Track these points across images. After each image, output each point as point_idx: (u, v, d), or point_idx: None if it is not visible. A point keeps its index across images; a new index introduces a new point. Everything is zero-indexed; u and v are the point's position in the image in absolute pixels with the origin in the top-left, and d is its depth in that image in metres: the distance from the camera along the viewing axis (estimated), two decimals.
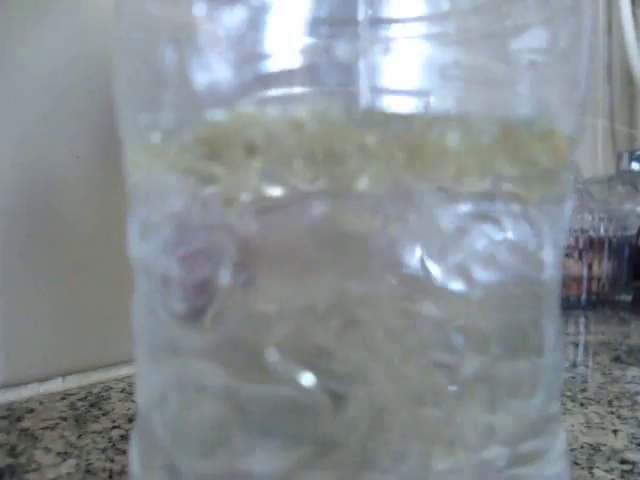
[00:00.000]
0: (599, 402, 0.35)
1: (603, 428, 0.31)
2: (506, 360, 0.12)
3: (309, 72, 0.10)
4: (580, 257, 0.61)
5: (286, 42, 0.10)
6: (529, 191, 0.12)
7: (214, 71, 0.10)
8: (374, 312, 0.11)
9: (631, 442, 0.29)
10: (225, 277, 0.11)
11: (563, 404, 0.34)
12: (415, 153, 0.11)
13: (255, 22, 0.10)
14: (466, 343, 0.12)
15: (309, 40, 0.10)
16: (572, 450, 0.28)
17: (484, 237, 0.12)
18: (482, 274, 0.12)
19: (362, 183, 0.10)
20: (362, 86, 0.12)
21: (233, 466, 0.11)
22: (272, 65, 0.10)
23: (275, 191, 0.11)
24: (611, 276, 0.63)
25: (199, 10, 0.10)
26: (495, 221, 0.12)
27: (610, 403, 0.35)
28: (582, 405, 0.34)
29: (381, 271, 0.11)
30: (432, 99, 0.16)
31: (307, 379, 0.10)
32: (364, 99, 0.11)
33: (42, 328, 0.35)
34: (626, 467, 0.26)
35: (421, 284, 0.11)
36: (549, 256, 0.13)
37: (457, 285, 0.12)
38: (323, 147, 0.10)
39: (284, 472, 0.11)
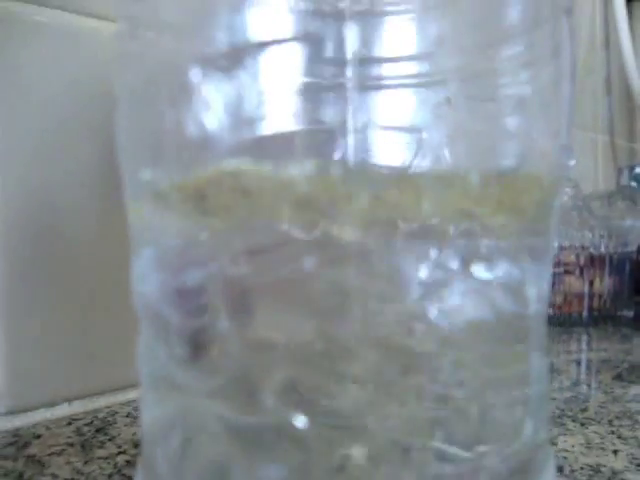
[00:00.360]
0: (600, 422, 0.35)
1: (603, 449, 0.31)
2: (494, 390, 0.13)
3: (300, 135, 0.11)
4: (581, 274, 0.61)
5: (278, 106, 0.11)
6: (512, 234, 0.12)
7: (209, 132, 0.11)
8: (364, 352, 0.11)
9: (631, 462, 0.29)
10: (221, 322, 0.11)
11: (564, 424, 0.35)
12: (401, 202, 0.11)
13: (248, 87, 0.11)
14: (456, 376, 0.12)
15: (300, 103, 0.11)
16: (572, 471, 0.28)
17: (470, 277, 0.12)
18: (469, 311, 0.12)
19: (349, 232, 0.11)
20: (351, 138, 0.12)
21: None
22: (265, 127, 0.11)
23: (265, 237, 0.11)
24: (612, 292, 0.63)
25: (195, 76, 0.11)
26: (480, 261, 0.12)
27: (611, 423, 0.35)
28: (583, 425, 0.34)
29: (371, 313, 0.11)
30: (424, 135, 0.16)
31: (300, 421, 0.11)
32: (352, 154, 0.12)
33: (47, 353, 0.36)
34: None
35: (412, 322, 0.12)
36: (532, 292, 0.13)
37: (445, 322, 0.12)
38: (312, 203, 0.11)
39: None
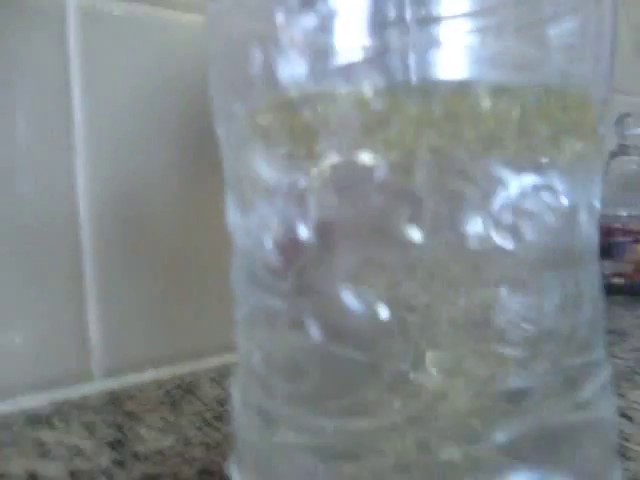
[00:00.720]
0: None
1: None
2: (548, 311, 0.14)
3: (369, 65, 0.13)
4: None
5: (350, 41, 0.12)
6: (562, 156, 0.14)
7: (293, 66, 0.12)
8: (437, 262, 0.13)
9: None
10: (307, 236, 0.13)
11: (633, 380, 0.35)
12: (464, 122, 0.13)
13: (324, 25, 0.12)
14: (513, 295, 0.14)
15: (368, 39, 0.12)
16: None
17: (535, 203, 0.13)
18: (530, 234, 0.14)
19: (422, 154, 0.12)
20: (413, 72, 0.14)
21: (316, 388, 0.13)
22: (340, 58, 0.12)
23: (352, 156, 0.13)
24: None
25: (279, 18, 0.12)
26: (543, 189, 0.14)
27: None
28: None
29: (444, 225, 0.13)
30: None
31: (384, 312, 0.12)
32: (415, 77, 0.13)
33: (137, 323, 0.39)
34: None
35: (479, 242, 0.13)
36: (584, 218, 0.15)
37: (508, 243, 0.13)
38: (384, 122, 0.12)
39: (358, 395, 0.13)
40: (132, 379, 0.38)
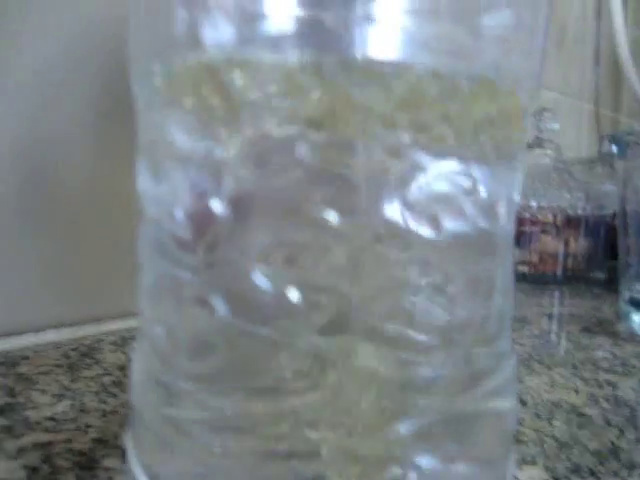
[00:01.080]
0: (564, 366, 0.37)
1: (566, 388, 0.33)
2: (461, 300, 0.14)
3: (302, 37, 0.12)
4: (557, 234, 0.63)
5: (281, 10, 0.12)
6: (485, 146, 0.14)
7: (219, 29, 0.12)
8: (353, 245, 0.12)
9: (589, 399, 0.31)
10: (220, 210, 0.12)
11: (531, 367, 0.36)
12: (402, 107, 0.12)
13: None
14: (428, 282, 0.14)
15: (300, 10, 0.12)
16: (535, 404, 0.30)
17: (453, 189, 0.13)
18: (445, 221, 0.13)
19: (352, 133, 0.12)
20: (346, 49, 0.13)
21: (219, 367, 0.13)
22: (269, 27, 0.12)
23: (273, 130, 0.12)
24: (587, 253, 0.65)
25: None
26: (463, 176, 0.13)
27: (574, 366, 0.37)
28: (549, 368, 0.36)
29: (362, 209, 0.12)
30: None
31: (293, 295, 0.12)
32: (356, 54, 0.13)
33: (37, 282, 0.37)
34: (583, 420, 0.28)
35: (396, 228, 0.13)
36: (503, 210, 0.15)
37: (426, 231, 0.13)
38: (317, 101, 0.12)
39: (260, 377, 0.13)
40: (28, 339, 0.36)
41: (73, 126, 0.37)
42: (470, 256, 0.15)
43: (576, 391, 0.32)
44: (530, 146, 0.67)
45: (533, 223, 0.63)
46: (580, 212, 0.64)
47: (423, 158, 0.13)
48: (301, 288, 0.12)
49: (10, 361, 0.33)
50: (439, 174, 0.13)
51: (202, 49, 0.12)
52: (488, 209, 0.15)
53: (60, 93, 0.37)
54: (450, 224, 0.14)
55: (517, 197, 0.16)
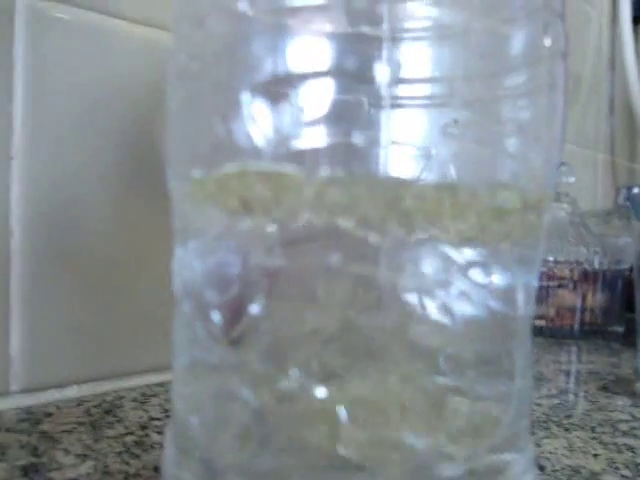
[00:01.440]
0: (583, 428, 0.37)
1: (584, 452, 0.33)
2: (482, 383, 0.15)
3: (330, 152, 0.13)
4: (574, 288, 0.63)
5: (312, 124, 0.13)
6: (506, 243, 0.14)
7: (253, 142, 0.13)
8: (377, 339, 0.13)
9: (609, 466, 0.31)
10: (254, 306, 0.13)
11: (549, 429, 0.36)
12: (412, 214, 0.13)
13: (288, 110, 0.13)
14: (450, 367, 0.14)
15: (332, 123, 0.13)
16: (554, 471, 0.30)
17: (469, 281, 0.14)
18: (466, 311, 0.14)
19: (371, 236, 0.13)
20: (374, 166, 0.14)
21: (256, 461, 0.13)
22: (300, 144, 0.13)
23: (298, 229, 0.13)
24: (604, 307, 0.65)
25: (245, 97, 0.12)
26: (478, 268, 0.14)
27: (593, 429, 0.37)
28: (566, 430, 0.36)
29: (384, 306, 0.13)
30: (434, 151, 0.18)
31: (320, 392, 0.12)
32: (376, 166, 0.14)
33: (60, 338, 0.38)
34: None
35: (416, 318, 0.14)
36: (521, 297, 0.15)
37: (445, 319, 0.14)
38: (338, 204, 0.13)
39: (292, 469, 0.13)
40: (51, 395, 0.37)
41: (101, 180, 0.39)
42: (488, 339, 0.16)
43: (595, 456, 0.32)
44: None
45: (550, 277, 0.63)
46: (597, 266, 0.64)
47: (444, 252, 0.14)
48: (326, 387, 0.13)
49: (34, 418, 0.34)
50: (458, 267, 0.14)
51: (237, 158, 0.13)
52: (506, 297, 0.15)
53: (89, 144, 0.38)
54: (465, 312, 0.15)
55: (536, 283, 0.16)
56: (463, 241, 0.14)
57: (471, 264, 0.14)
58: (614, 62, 1.15)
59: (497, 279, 0.14)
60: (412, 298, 0.13)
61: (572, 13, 1.00)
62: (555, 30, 0.16)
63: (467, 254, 0.14)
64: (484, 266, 0.14)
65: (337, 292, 0.13)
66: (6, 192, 0.35)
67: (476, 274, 0.14)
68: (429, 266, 0.13)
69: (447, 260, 0.14)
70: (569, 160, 0.89)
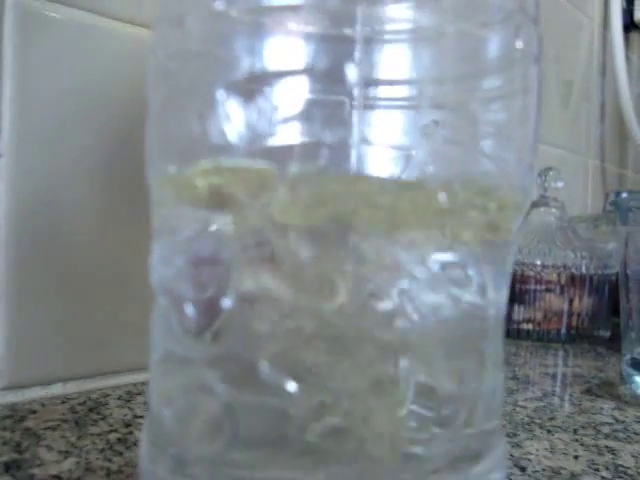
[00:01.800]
0: (565, 430, 0.37)
1: (565, 454, 0.33)
2: (452, 381, 0.15)
3: (302, 150, 0.13)
4: (562, 292, 0.64)
5: (287, 122, 0.13)
6: (478, 244, 0.15)
7: (228, 140, 0.13)
8: (347, 336, 0.13)
9: (589, 467, 0.31)
10: (226, 301, 0.13)
11: (531, 430, 0.37)
12: (392, 214, 0.14)
13: (263, 107, 0.13)
14: (419, 366, 0.14)
15: (306, 120, 0.13)
16: (535, 472, 0.30)
17: (440, 281, 0.14)
18: (436, 310, 0.14)
19: (351, 233, 0.13)
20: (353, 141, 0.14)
21: (227, 454, 0.13)
22: (274, 140, 0.13)
23: (270, 229, 0.13)
24: (591, 312, 0.65)
25: (221, 95, 0.13)
26: (449, 267, 0.14)
27: (575, 431, 0.37)
28: (549, 432, 0.36)
29: (354, 303, 0.13)
30: (413, 153, 0.19)
31: (290, 386, 0.13)
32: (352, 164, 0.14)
33: (46, 336, 0.38)
34: None
35: (386, 315, 0.14)
36: (492, 297, 0.15)
37: (414, 317, 0.14)
38: (314, 200, 0.13)
39: (262, 461, 0.13)
40: (36, 393, 0.37)
41: (88, 181, 0.39)
42: (457, 339, 0.16)
43: (576, 457, 0.33)
44: (535, 205, 0.68)
45: (537, 281, 0.63)
46: (584, 271, 0.64)
47: (414, 254, 0.14)
48: (300, 382, 0.13)
49: (18, 415, 0.34)
50: (432, 269, 0.14)
51: (211, 155, 0.13)
52: (476, 297, 0.15)
53: (77, 144, 0.38)
54: (437, 311, 0.15)
55: (507, 283, 0.16)
56: (435, 240, 0.14)
57: (442, 263, 0.14)
58: (605, 68, 1.16)
59: (468, 279, 0.15)
60: (382, 295, 0.14)
61: (564, 20, 1.00)
62: (528, 33, 0.16)
63: (438, 253, 0.14)
64: (455, 266, 0.14)
65: (307, 289, 0.13)
66: None
67: (447, 274, 0.14)
68: (399, 264, 0.14)
69: (417, 258, 0.14)
70: (559, 165, 0.90)
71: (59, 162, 0.38)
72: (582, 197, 1.06)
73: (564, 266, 0.64)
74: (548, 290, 0.63)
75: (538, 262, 0.63)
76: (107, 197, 0.40)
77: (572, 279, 0.64)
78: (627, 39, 1.13)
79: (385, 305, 0.14)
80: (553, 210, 0.68)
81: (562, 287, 0.63)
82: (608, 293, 0.66)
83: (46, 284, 0.37)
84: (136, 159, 0.39)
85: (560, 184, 0.69)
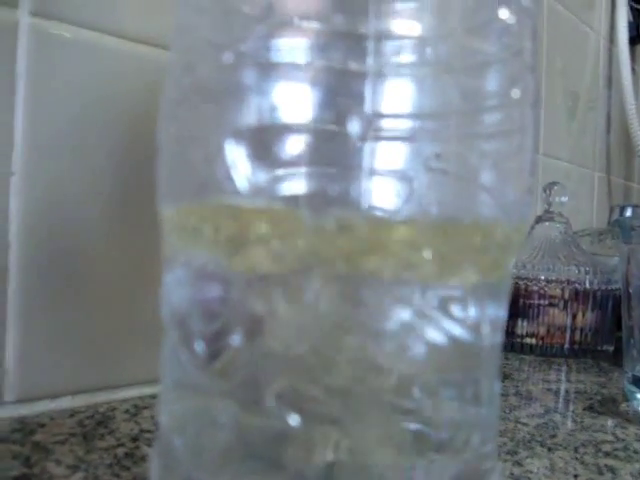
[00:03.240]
0: (566, 448, 0.37)
1: (565, 472, 0.33)
2: (449, 409, 0.16)
3: (310, 192, 0.14)
4: (565, 307, 0.64)
5: (291, 166, 0.14)
6: (476, 277, 0.15)
7: (235, 185, 0.13)
8: (348, 369, 0.14)
9: None
10: (235, 337, 0.14)
11: (532, 448, 0.37)
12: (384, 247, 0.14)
13: (269, 156, 0.13)
14: (423, 394, 0.15)
15: (311, 169, 0.14)
16: None
17: (436, 313, 0.15)
18: (432, 340, 0.15)
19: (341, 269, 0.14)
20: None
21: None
22: (281, 189, 0.14)
23: (273, 267, 0.14)
24: (594, 327, 0.66)
25: (229, 145, 0.13)
26: (446, 300, 0.15)
27: (576, 449, 0.37)
28: (550, 450, 0.37)
29: (355, 338, 0.14)
30: (415, 184, 0.19)
31: (294, 420, 0.13)
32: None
33: (55, 350, 0.38)
34: None
35: (385, 347, 0.15)
36: (487, 328, 0.16)
37: (412, 348, 0.15)
38: (314, 248, 0.14)
39: None
40: (45, 406, 0.38)
41: (100, 196, 0.39)
42: (454, 368, 0.17)
43: (575, 477, 0.33)
44: (539, 220, 0.69)
45: (541, 296, 0.64)
46: (588, 286, 0.65)
47: (408, 292, 0.15)
48: (303, 417, 0.13)
49: (27, 428, 0.34)
50: (426, 301, 0.15)
51: (220, 200, 0.14)
52: (472, 328, 0.16)
53: (88, 161, 0.39)
54: (433, 341, 0.16)
55: (504, 313, 0.17)
56: (433, 275, 0.15)
57: (439, 297, 0.15)
58: (611, 81, 1.17)
59: (464, 311, 0.15)
60: (381, 329, 0.14)
61: (570, 33, 1.01)
62: (524, 81, 0.17)
63: (436, 288, 0.15)
64: (452, 299, 0.15)
65: (309, 326, 0.13)
66: (5, 206, 0.36)
67: (444, 306, 0.15)
68: (397, 299, 0.14)
69: (415, 292, 0.14)
70: (565, 177, 0.90)
71: (71, 179, 0.38)
72: (587, 209, 1.07)
73: (568, 281, 0.64)
74: (551, 305, 0.64)
75: (542, 277, 0.64)
76: (118, 213, 0.40)
77: (576, 294, 0.64)
78: (633, 52, 1.14)
79: (386, 340, 0.14)
80: (557, 225, 0.68)
81: (565, 302, 0.64)
82: (612, 308, 0.66)
83: (55, 300, 0.38)
84: (147, 177, 0.39)
85: (564, 199, 0.70)
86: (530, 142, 0.17)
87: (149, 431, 0.35)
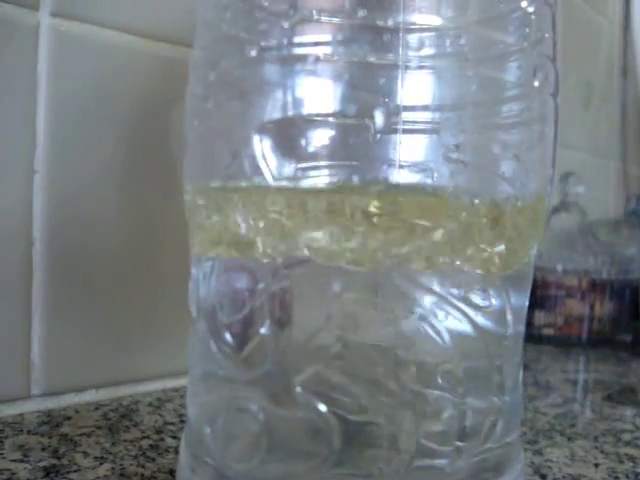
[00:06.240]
0: (586, 437, 0.38)
1: (585, 461, 0.34)
2: (474, 396, 0.16)
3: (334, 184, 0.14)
4: (582, 298, 0.64)
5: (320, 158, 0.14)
6: (501, 271, 0.15)
7: (262, 175, 0.14)
8: (375, 358, 0.14)
9: (609, 475, 0.32)
10: (264, 327, 0.14)
11: (552, 438, 0.37)
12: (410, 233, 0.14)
13: (295, 151, 0.14)
14: (443, 382, 0.15)
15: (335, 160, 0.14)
16: (555, 479, 0.31)
17: (461, 303, 0.15)
18: (457, 330, 0.15)
19: (367, 264, 0.14)
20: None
21: (264, 468, 0.14)
22: (306, 181, 0.14)
23: (300, 250, 0.14)
24: (612, 317, 0.65)
25: (256, 139, 0.14)
26: (470, 290, 0.15)
27: (596, 439, 0.37)
28: (570, 439, 0.37)
29: (382, 327, 0.14)
30: (435, 174, 0.20)
31: (322, 407, 0.14)
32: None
33: (79, 345, 0.39)
34: None
35: (411, 337, 0.15)
36: (510, 317, 0.16)
37: (437, 338, 0.15)
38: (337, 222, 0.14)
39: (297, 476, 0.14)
40: (70, 399, 0.38)
41: (117, 199, 0.40)
42: (479, 357, 0.17)
43: (596, 465, 0.33)
44: (555, 210, 0.69)
45: (558, 287, 0.64)
46: (605, 276, 0.64)
47: (434, 281, 0.15)
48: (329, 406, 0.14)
49: (54, 421, 0.35)
50: (451, 291, 0.15)
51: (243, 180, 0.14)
52: (496, 317, 0.16)
53: (105, 167, 0.40)
54: (458, 331, 0.16)
55: (526, 303, 0.17)
56: (457, 266, 0.15)
57: (464, 287, 0.15)
58: (626, 70, 1.16)
59: (489, 301, 0.15)
60: (407, 319, 0.14)
61: (584, 23, 1.00)
62: (545, 71, 0.17)
63: (460, 278, 0.15)
64: (477, 289, 0.15)
65: (338, 315, 0.14)
66: (29, 203, 0.36)
67: (468, 296, 0.15)
68: (422, 289, 0.15)
69: (440, 282, 0.15)
70: (580, 168, 0.90)
71: (88, 175, 0.39)
72: (603, 199, 1.06)
73: (585, 271, 0.64)
74: (569, 295, 0.64)
75: (559, 268, 0.64)
76: (139, 210, 0.41)
77: (593, 284, 0.64)
78: None
79: (412, 330, 0.15)
80: (574, 215, 0.68)
81: (583, 292, 0.64)
82: (629, 297, 0.66)
83: (79, 295, 0.39)
84: (168, 173, 0.40)
85: (580, 189, 0.69)
86: (551, 132, 0.18)
87: (172, 423, 0.36)
